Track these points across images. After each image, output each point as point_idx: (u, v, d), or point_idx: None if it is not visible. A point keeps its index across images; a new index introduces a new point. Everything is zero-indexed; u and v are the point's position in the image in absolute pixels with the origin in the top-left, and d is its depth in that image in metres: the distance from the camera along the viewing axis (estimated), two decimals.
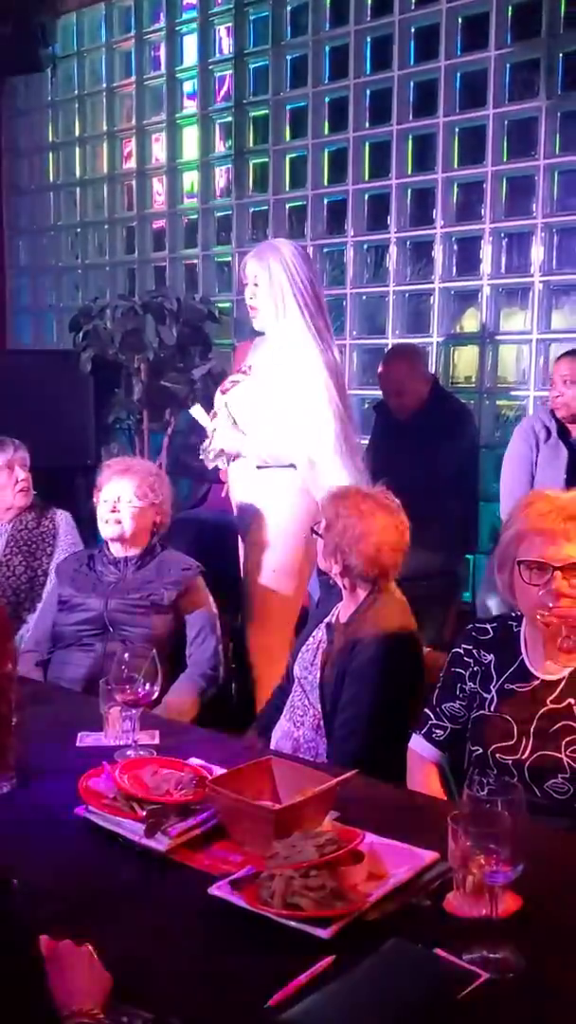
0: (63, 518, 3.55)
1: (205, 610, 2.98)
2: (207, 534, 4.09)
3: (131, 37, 5.84)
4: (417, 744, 2.16)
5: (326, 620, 2.59)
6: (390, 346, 4.67)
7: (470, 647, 2.11)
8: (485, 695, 2.05)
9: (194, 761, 2.00)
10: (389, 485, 2.60)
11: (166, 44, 5.68)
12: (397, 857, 1.65)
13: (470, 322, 4.76)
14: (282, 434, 3.25)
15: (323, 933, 1.45)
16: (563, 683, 1.98)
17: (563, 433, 3.71)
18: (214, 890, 1.57)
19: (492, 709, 2.03)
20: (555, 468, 3.67)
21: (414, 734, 2.17)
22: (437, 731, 2.14)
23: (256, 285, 3.29)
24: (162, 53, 5.73)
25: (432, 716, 2.15)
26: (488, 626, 2.12)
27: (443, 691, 2.14)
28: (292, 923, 1.47)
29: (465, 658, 2.11)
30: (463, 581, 4.38)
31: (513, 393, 4.64)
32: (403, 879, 1.59)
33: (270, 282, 3.24)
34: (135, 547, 3.01)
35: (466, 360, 4.80)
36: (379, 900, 1.54)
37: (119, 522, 2.98)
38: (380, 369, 4.33)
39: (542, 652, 2.01)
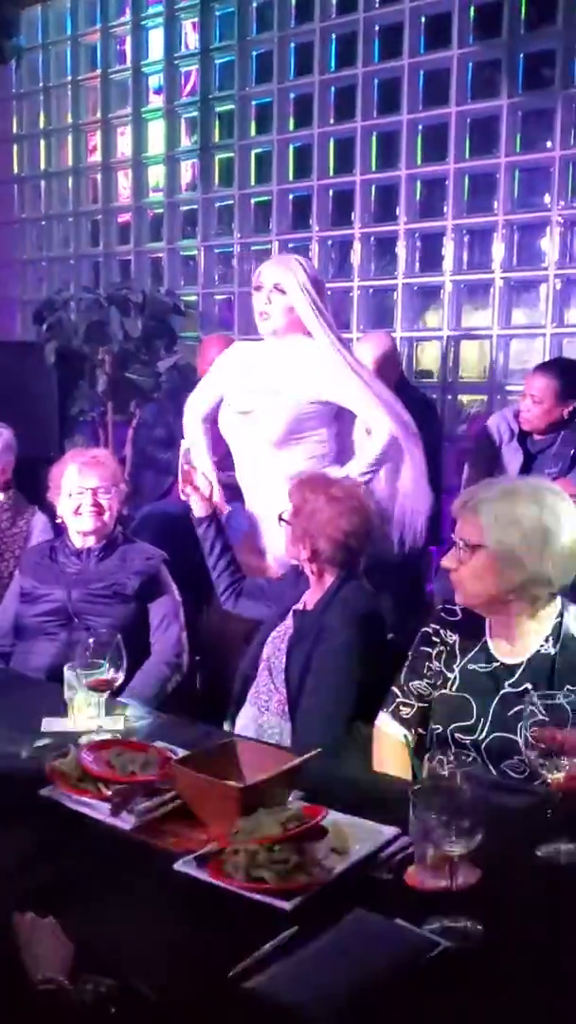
0: (39, 522, 3.48)
1: (168, 598, 2.99)
2: (173, 526, 4.09)
3: (97, 30, 5.83)
4: (384, 722, 2.19)
5: (294, 607, 2.61)
6: (355, 339, 4.70)
7: (438, 627, 2.15)
8: (448, 674, 2.09)
9: (159, 744, 2.02)
10: None
11: (132, 38, 5.68)
12: (359, 832, 1.68)
13: (433, 318, 4.81)
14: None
15: (286, 905, 1.47)
16: (522, 667, 2.02)
17: (521, 437, 3.81)
18: (179, 866, 1.59)
19: (454, 689, 2.07)
20: (511, 468, 3.77)
21: (381, 712, 2.20)
22: (404, 709, 2.16)
23: (282, 292, 3.07)
24: (128, 47, 5.73)
25: (399, 694, 2.17)
26: (457, 608, 2.16)
27: (410, 669, 2.17)
28: (256, 896, 1.50)
29: (433, 637, 2.15)
30: (425, 572, 4.42)
31: (475, 388, 4.70)
32: (365, 853, 1.63)
33: (299, 288, 3.06)
34: (100, 537, 3.00)
35: (429, 355, 4.85)
36: (341, 873, 1.57)
37: (100, 513, 2.94)
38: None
39: (505, 636, 2.06)
